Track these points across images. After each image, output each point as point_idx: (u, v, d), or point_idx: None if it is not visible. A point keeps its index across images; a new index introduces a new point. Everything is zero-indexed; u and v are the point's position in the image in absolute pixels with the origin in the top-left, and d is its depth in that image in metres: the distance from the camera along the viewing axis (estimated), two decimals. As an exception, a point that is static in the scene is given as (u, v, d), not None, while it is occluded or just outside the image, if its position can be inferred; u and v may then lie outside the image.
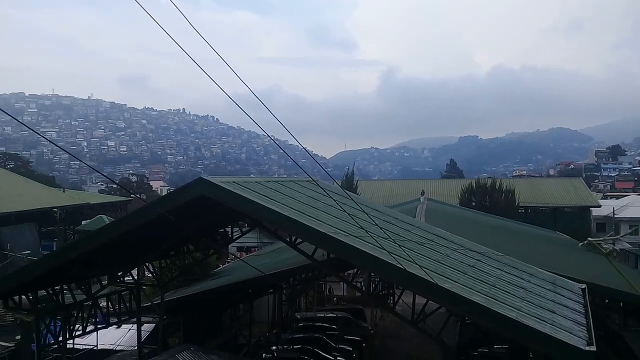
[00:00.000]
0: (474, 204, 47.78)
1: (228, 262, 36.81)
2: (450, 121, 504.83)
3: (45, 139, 9.67)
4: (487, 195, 49.59)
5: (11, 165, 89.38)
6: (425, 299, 12.41)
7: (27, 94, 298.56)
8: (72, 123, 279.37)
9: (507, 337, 10.83)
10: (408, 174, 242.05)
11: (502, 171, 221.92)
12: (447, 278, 11.90)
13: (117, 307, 19.50)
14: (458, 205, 44.93)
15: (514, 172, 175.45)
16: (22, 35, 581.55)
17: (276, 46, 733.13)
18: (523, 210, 51.59)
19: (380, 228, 12.37)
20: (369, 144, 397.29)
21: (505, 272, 15.12)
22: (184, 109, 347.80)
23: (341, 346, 22.75)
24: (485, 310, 10.55)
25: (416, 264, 11.37)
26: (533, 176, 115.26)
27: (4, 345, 20.24)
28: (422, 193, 38.00)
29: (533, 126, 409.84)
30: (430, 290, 11.04)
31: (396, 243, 12.18)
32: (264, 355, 21.78)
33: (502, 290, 12.72)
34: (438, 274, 11.77)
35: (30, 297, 16.15)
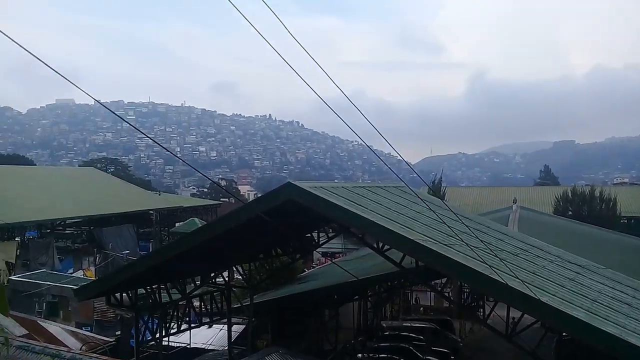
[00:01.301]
0: (570, 213, 45.27)
1: (313, 267, 37.18)
2: (544, 125, 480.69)
3: (164, 149, 10.10)
4: (585, 204, 46.82)
5: (112, 170, 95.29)
6: (520, 312, 11.87)
7: (126, 102, 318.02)
8: (167, 129, 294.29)
9: (609, 356, 10.12)
10: (498, 180, 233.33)
11: (602, 178, 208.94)
12: (545, 291, 11.32)
13: (209, 307, 20.19)
14: (553, 214, 42.76)
15: (615, 180, 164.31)
16: (122, 45, 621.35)
17: (359, 50, 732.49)
18: (626, 221, 48.19)
19: (475, 237, 11.96)
20: (456, 149, 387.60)
21: (608, 286, 14.20)
22: (270, 114, 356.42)
23: (429, 358, 22.24)
24: (586, 326, 9.93)
25: (514, 275, 10.89)
26: (637, 184, 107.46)
27: (105, 340, 21.47)
28: (514, 201, 36.39)
29: (637, 130, 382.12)
30: (527, 304, 10.52)
31: (490, 253, 11.73)
32: (349, 362, 21.74)
33: (604, 305, 11.94)
34: (534, 286, 11.22)
35: (130, 295, 17.06)
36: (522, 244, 16.75)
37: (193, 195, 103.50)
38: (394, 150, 11.07)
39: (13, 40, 5.39)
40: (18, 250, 34.45)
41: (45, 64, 5.81)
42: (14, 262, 33.09)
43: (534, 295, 10.23)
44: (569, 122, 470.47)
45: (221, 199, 77.34)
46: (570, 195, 48.39)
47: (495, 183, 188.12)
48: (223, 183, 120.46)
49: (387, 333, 24.95)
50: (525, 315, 11.70)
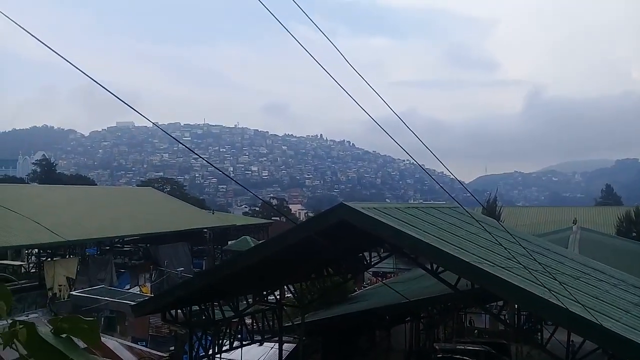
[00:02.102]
0: (634, 234, 43.26)
1: (364, 287, 36.86)
2: (605, 143, 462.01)
3: (218, 169, 10.36)
4: (651, 225, 44.74)
5: (168, 189, 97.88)
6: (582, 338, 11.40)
7: (182, 124, 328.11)
8: (221, 150, 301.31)
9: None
10: (557, 200, 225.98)
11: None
12: (607, 316, 10.83)
13: (260, 325, 20.31)
14: (616, 236, 40.96)
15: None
16: (179, 69, 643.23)
17: (411, 70, 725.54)
18: (695, 243, 45.65)
19: (533, 259, 11.60)
20: (512, 167, 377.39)
21: (678, 313, 13.41)
22: (321, 134, 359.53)
23: (484, 382, 21.56)
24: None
25: (575, 299, 10.48)
26: None
27: (160, 355, 21.87)
28: (575, 221, 35.07)
29: None
30: (588, 330, 10.10)
31: (549, 276, 11.34)
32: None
33: (675, 333, 11.28)
34: (596, 311, 10.76)
35: (185, 312, 17.40)
36: (583, 266, 16.12)
37: (245, 214, 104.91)
38: (446, 169, 10.95)
39: (76, 68, 5.69)
40: (78, 267, 35.75)
41: (107, 90, 6.10)
42: (74, 278, 34.37)
43: (595, 321, 9.79)
44: (632, 139, 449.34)
45: (272, 218, 78.05)
46: (634, 215, 46.31)
47: (553, 203, 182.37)
48: (274, 202, 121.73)
49: (440, 356, 24.36)
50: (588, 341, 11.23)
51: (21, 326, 1.22)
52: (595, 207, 73.62)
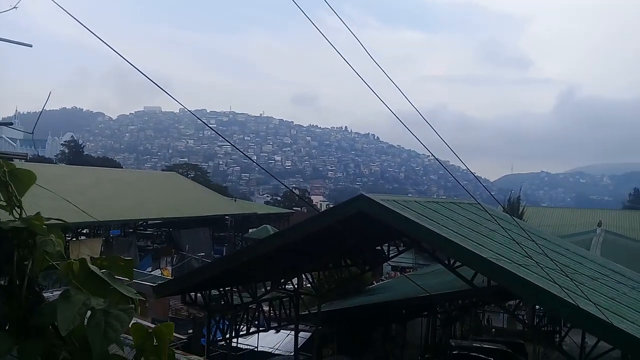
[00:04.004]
0: (660, 239, 42.43)
1: (382, 280, 36.94)
2: (637, 145, 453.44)
3: (245, 155, 10.59)
4: (678, 230, 43.82)
5: (192, 175, 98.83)
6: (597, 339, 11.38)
7: (208, 111, 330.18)
8: (245, 138, 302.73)
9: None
10: (583, 202, 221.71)
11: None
12: (623, 318, 10.80)
13: (277, 312, 20.61)
14: (641, 240, 40.22)
15: None
16: (206, 57, 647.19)
17: (443, 64, 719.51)
18: None
19: (549, 258, 11.58)
20: (539, 167, 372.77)
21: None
22: (346, 126, 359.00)
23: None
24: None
25: (588, 299, 10.46)
26: None
27: (178, 337, 22.27)
28: (599, 224, 34.59)
29: None
30: (603, 330, 10.09)
31: (566, 275, 11.32)
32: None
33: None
34: (612, 312, 10.74)
35: (204, 295, 17.75)
36: (603, 268, 16.00)
37: (267, 202, 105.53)
38: (472, 167, 10.95)
39: (111, 48, 5.90)
40: (102, 248, 36.41)
41: (142, 73, 6.31)
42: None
43: (610, 322, 9.78)
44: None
45: (293, 208, 78.40)
46: (661, 220, 45.45)
47: (579, 205, 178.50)
48: (297, 192, 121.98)
49: (455, 352, 24.38)
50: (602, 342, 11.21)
51: (75, 260, 1.54)
52: (622, 211, 72.17)
